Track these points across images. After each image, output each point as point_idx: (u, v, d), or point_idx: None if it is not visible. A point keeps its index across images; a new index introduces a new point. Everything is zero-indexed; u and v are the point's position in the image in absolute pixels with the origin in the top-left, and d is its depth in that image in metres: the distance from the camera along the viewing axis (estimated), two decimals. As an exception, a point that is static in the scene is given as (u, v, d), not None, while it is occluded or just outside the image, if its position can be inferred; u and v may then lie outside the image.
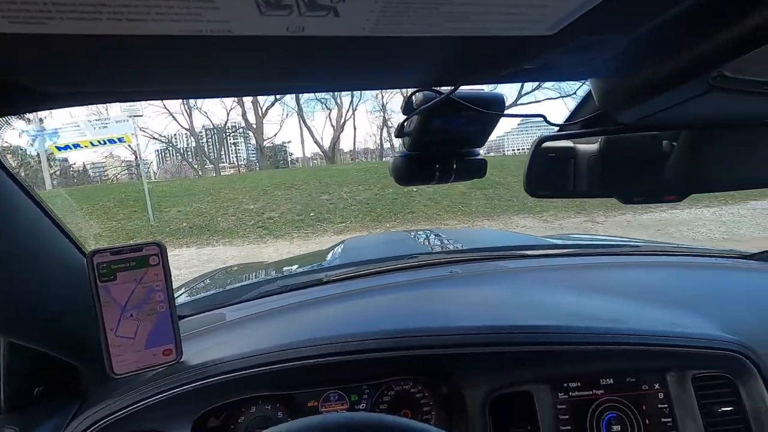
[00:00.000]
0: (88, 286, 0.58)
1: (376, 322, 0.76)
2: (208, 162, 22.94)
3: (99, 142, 8.36)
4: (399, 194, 8.52)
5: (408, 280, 0.99)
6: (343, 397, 0.70)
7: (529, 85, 16.09)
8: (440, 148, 0.52)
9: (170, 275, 0.63)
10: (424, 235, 2.04)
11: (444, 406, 0.70)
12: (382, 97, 20.79)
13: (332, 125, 20.49)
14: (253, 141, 21.87)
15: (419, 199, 8.33)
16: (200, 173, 20.99)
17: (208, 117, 22.04)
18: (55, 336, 0.60)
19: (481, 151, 0.56)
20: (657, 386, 0.70)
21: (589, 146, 0.56)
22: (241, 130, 24.14)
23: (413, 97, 0.45)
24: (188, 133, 21.88)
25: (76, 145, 8.17)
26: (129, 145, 10.40)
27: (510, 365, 0.69)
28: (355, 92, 19.87)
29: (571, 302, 0.83)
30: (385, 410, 0.70)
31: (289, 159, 26.90)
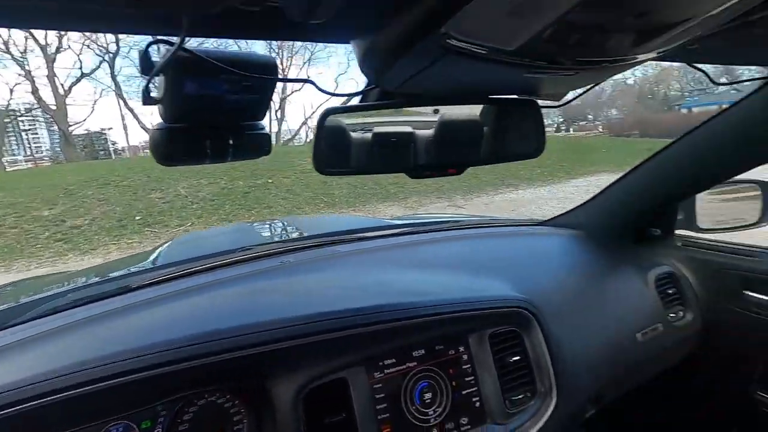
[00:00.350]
0: None
1: (181, 329, 0.67)
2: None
3: None
4: (252, 187, 7.88)
5: (232, 275, 0.92)
6: (132, 427, 0.60)
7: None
8: (207, 119, 0.47)
9: None
10: (267, 226, 1.96)
11: (254, 411, 0.66)
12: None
13: (162, 107, 17.91)
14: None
15: (276, 192, 7.84)
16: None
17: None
18: None
19: (266, 125, 0.53)
20: (461, 349, 0.79)
21: (379, 123, 0.58)
22: (39, 112, 19.12)
23: (149, 50, 0.38)
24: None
25: None
26: None
27: (324, 354, 0.69)
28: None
29: (391, 280, 0.88)
30: (185, 431, 0.62)
31: (112, 149, 22.76)
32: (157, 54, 0.40)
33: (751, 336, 1.02)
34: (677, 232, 1.27)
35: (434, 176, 0.58)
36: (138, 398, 0.60)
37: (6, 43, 14.59)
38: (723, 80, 0.79)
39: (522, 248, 1.16)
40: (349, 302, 0.74)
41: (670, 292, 1.12)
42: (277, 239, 1.64)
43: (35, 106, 17.69)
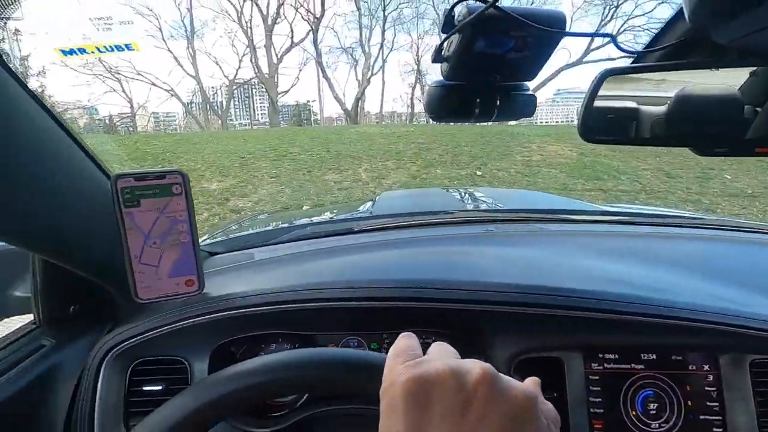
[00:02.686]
0: (111, 210, 0.60)
1: (404, 272, 0.79)
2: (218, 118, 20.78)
3: (105, 48, 8.20)
4: (455, 179, 6.39)
5: (440, 234, 1.02)
6: (363, 344, 0.73)
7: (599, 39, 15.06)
8: (482, 78, 0.50)
9: (193, 205, 0.66)
10: (462, 192, 2.08)
11: None
12: (417, 49, 18.89)
13: (357, 79, 19.31)
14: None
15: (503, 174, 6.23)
16: (204, 127, 18.82)
17: (218, 63, 19.27)
18: (83, 257, 0.64)
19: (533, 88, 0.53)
20: (707, 368, 0.67)
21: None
22: (255, 81, 21.53)
23: (455, 9, 0.43)
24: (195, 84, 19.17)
25: (82, 50, 8.02)
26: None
27: (541, 328, 0.68)
28: (386, 37, 18.37)
29: (614, 270, 0.81)
30: None
31: (313, 118, 26.46)
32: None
33: None
34: None
35: (732, 155, 0.49)
36: (371, 323, 0.72)
37: (239, 15, 17.10)
38: None
39: None
40: (569, 282, 0.71)
41: None
42: (472, 207, 1.71)
43: (254, 77, 19.90)
